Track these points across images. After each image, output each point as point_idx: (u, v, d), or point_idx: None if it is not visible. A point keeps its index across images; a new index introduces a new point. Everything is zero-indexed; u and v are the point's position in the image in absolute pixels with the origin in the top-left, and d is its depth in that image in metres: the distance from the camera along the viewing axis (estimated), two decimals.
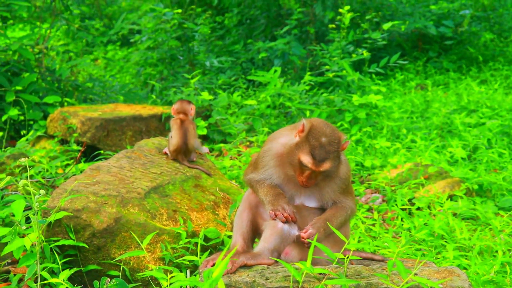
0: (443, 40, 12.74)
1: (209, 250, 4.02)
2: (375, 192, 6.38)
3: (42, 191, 3.27)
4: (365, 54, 9.27)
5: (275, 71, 8.80)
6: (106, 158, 6.37)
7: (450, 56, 12.57)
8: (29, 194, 5.44)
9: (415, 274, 2.85)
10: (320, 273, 2.96)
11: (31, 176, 5.96)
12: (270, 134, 3.86)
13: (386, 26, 9.56)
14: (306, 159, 3.38)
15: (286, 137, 3.57)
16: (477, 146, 7.45)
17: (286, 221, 3.46)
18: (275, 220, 3.44)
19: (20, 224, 3.33)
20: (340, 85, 9.24)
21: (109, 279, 3.55)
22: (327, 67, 9.32)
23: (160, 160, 4.81)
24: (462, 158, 7.09)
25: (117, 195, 4.13)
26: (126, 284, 3.50)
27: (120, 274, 3.85)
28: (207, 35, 12.27)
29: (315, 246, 3.09)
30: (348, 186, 3.64)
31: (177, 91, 9.21)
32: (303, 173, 3.43)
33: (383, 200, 6.12)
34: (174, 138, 4.91)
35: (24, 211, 4.42)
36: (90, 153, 7.27)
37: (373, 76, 10.72)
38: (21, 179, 4.32)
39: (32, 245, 3.98)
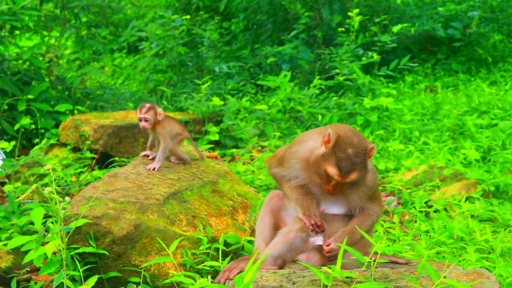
0: (452, 42, 12.71)
1: (230, 256, 3.99)
2: (390, 195, 6.35)
3: (67, 198, 3.26)
4: (375, 57, 9.25)
5: (285, 75, 8.79)
6: (120, 165, 6.36)
7: (459, 58, 12.53)
8: (46, 202, 5.43)
9: (445, 277, 2.82)
10: (348, 277, 2.94)
11: (46, 184, 5.95)
12: (297, 136, 3.83)
13: (395, 28, 9.54)
14: (333, 171, 3.35)
15: (314, 141, 3.53)
16: (490, 147, 7.41)
17: (312, 230, 3.45)
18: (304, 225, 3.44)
19: (46, 231, 3.30)
20: (350, 89, 9.22)
21: (135, 285, 3.54)
22: (337, 70, 9.30)
23: (177, 166, 4.79)
24: (476, 160, 7.05)
25: (136, 201, 4.12)
26: None
27: (141, 281, 3.83)
28: (216, 40, 12.28)
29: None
30: (375, 192, 3.62)
31: (188, 97, 9.21)
32: (329, 182, 3.41)
33: (398, 203, 6.09)
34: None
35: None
36: (103, 160, 7.26)
37: (382, 79, 10.69)
38: (45, 187, 4.31)
39: (53, 253, 3.97)
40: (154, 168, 4.63)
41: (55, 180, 6.39)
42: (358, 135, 3.45)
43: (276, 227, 3.69)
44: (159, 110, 4.71)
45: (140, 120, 4.64)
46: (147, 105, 4.68)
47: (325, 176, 3.40)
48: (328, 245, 3.42)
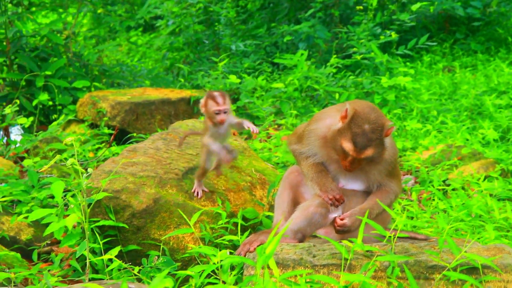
0: (471, 21, 12.51)
1: (248, 230, 4.01)
2: (408, 174, 6.33)
3: (90, 170, 3.28)
4: (394, 35, 9.16)
5: (302, 54, 8.74)
6: (137, 142, 6.39)
7: (478, 38, 12.35)
8: (64, 177, 5.48)
9: (465, 252, 2.82)
10: (368, 251, 2.94)
11: (65, 159, 5.99)
12: (316, 113, 3.83)
13: (414, 7, 9.43)
14: (348, 146, 3.34)
15: (332, 119, 3.52)
16: (509, 127, 7.34)
17: (332, 204, 3.45)
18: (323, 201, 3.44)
19: (65, 205, 3.33)
20: (368, 68, 9.15)
21: (156, 256, 3.57)
22: (354, 49, 9.22)
23: (195, 142, 4.80)
24: (494, 140, 6.99)
25: (155, 176, 4.14)
26: (173, 261, 3.52)
27: (160, 254, 3.86)
28: (232, 18, 12.21)
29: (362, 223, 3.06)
30: (395, 169, 3.61)
31: (205, 74, 9.20)
32: (346, 158, 3.40)
33: (416, 182, 6.07)
34: None
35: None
36: (120, 137, 7.30)
37: (400, 58, 10.59)
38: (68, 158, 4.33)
39: (73, 226, 4.01)
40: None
41: (72, 155, 6.44)
42: (377, 111, 3.42)
43: (295, 202, 3.70)
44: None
45: (219, 112, 3.90)
46: (221, 92, 3.94)
47: (342, 151, 3.39)
48: (342, 219, 3.42)
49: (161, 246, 3.89)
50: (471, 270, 2.88)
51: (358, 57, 8.96)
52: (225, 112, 3.88)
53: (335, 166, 3.59)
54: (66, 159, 6.07)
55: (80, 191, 3.34)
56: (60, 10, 10.42)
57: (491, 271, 2.88)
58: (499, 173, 5.77)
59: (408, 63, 10.94)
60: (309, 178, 3.58)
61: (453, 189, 5.58)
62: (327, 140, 3.49)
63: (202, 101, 3.95)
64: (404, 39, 10.99)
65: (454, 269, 2.84)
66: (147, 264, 3.61)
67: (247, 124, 3.95)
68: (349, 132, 3.34)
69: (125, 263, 3.91)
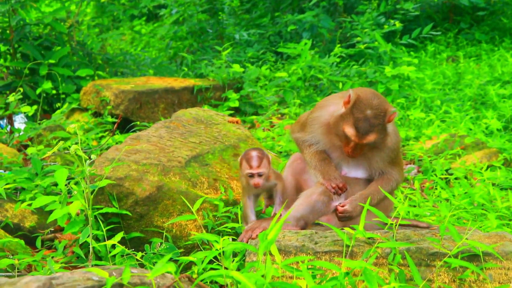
0: (475, 11, 12.46)
1: None
2: (410, 163, 6.33)
3: (93, 156, 3.30)
4: (398, 25, 9.13)
5: (305, 43, 8.73)
6: (140, 130, 6.40)
7: (483, 27, 12.30)
8: (68, 165, 5.50)
9: (467, 239, 2.83)
10: (370, 238, 2.96)
11: (68, 148, 6.01)
12: (319, 101, 3.83)
13: None
14: (350, 131, 3.35)
15: (335, 106, 3.52)
16: None
17: (335, 192, 3.45)
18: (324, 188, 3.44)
19: (69, 193, 3.35)
20: (371, 57, 9.13)
21: (159, 243, 3.59)
22: (358, 38, 9.20)
23: (199, 130, 4.81)
24: (497, 129, 6.99)
25: (158, 163, 4.15)
26: (176, 248, 3.53)
27: (163, 241, 3.88)
28: (236, 7, 12.18)
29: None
30: (397, 157, 3.61)
31: (208, 63, 9.19)
32: (348, 144, 3.41)
33: (419, 171, 6.08)
34: None
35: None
36: (123, 125, 7.31)
37: (403, 48, 10.57)
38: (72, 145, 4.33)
39: (76, 214, 4.04)
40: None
41: (76, 143, 6.45)
42: (379, 97, 3.43)
43: (298, 190, 3.71)
44: (269, 156, 3.75)
45: (252, 176, 3.67)
46: (257, 153, 3.69)
47: (344, 137, 3.40)
48: (343, 206, 3.43)
49: (164, 233, 3.91)
50: (472, 257, 2.89)
51: (362, 47, 8.95)
52: (260, 175, 3.65)
53: (338, 154, 3.60)
54: (69, 147, 6.09)
55: (84, 178, 3.35)
56: None
57: (492, 258, 2.89)
58: (502, 163, 5.77)
59: (412, 53, 10.91)
60: (312, 166, 3.58)
61: (456, 178, 5.59)
62: (330, 126, 3.50)
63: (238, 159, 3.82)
64: (408, 29, 10.95)
65: (455, 256, 2.85)
66: (150, 250, 3.63)
67: (276, 206, 3.81)
68: (352, 117, 3.34)
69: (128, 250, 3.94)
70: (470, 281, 2.86)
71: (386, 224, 3.02)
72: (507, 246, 2.92)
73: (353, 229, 2.87)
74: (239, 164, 3.78)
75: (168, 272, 2.65)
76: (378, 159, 3.53)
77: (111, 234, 3.86)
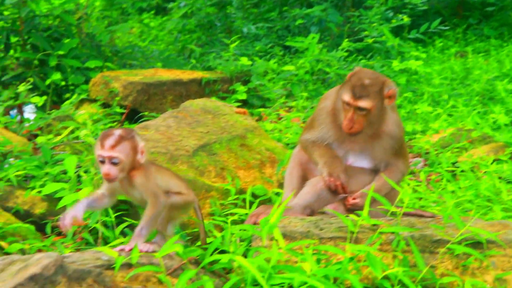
0: (484, 6, 12.42)
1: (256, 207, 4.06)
2: (417, 156, 6.35)
3: None
4: (406, 19, 9.14)
5: (313, 37, 8.75)
6: (149, 120, 6.45)
7: (491, 23, 12.26)
8: (77, 153, 5.56)
9: (470, 226, 2.86)
10: (374, 225, 2.99)
11: (77, 138, 6.07)
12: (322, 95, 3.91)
13: None
14: (346, 97, 3.45)
15: (338, 93, 3.60)
16: None
17: (336, 190, 3.51)
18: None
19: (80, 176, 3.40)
20: (379, 51, 9.14)
21: None
22: (366, 33, 9.21)
23: (206, 120, 4.86)
24: (505, 124, 6.99)
25: (166, 152, 4.20)
26: (182, 230, 3.59)
27: None
28: (244, 1, 12.21)
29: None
30: (401, 148, 3.66)
31: (216, 56, 9.23)
32: (347, 115, 3.47)
33: (425, 164, 6.10)
34: None
35: None
36: (131, 117, 7.36)
37: (411, 43, 10.56)
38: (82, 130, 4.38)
39: None
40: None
41: (86, 134, 6.51)
42: (380, 74, 3.58)
43: (304, 179, 3.75)
44: (141, 144, 2.85)
45: (103, 161, 2.79)
46: (120, 132, 2.81)
47: (343, 107, 3.45)
48: (354, 199, 3.49)
49: None
50: (476, 244, 2.92)
51: (370, 41, 8.96)
52: (113, 163, 2.81)
53: (344, 145, 3.64)
54: (78, 137, 6.15)
55: (93, 164, 3.40)
56: None
57: (495, 246, 2.92)
58: (508, 157, 5.79)
59: (420, 48, 10.90)
60: (320, 163, 3.61)
61: (462, 171, 5.61)
62: (334, 112, 3.57)
63: None
64: (417, 24, 10.93)
65: (459, 244, 2.89)
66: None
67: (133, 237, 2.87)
68: (349, 84, 3.48)
69: None
70: (473, 268, 2.89)
71: (393, 213, 3.06)
72: (510, 234, 2.95)
73: (358, 215, 2.91)
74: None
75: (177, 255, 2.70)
76: (381, 149, 3.58)
77: (119, 221, 3.91)
